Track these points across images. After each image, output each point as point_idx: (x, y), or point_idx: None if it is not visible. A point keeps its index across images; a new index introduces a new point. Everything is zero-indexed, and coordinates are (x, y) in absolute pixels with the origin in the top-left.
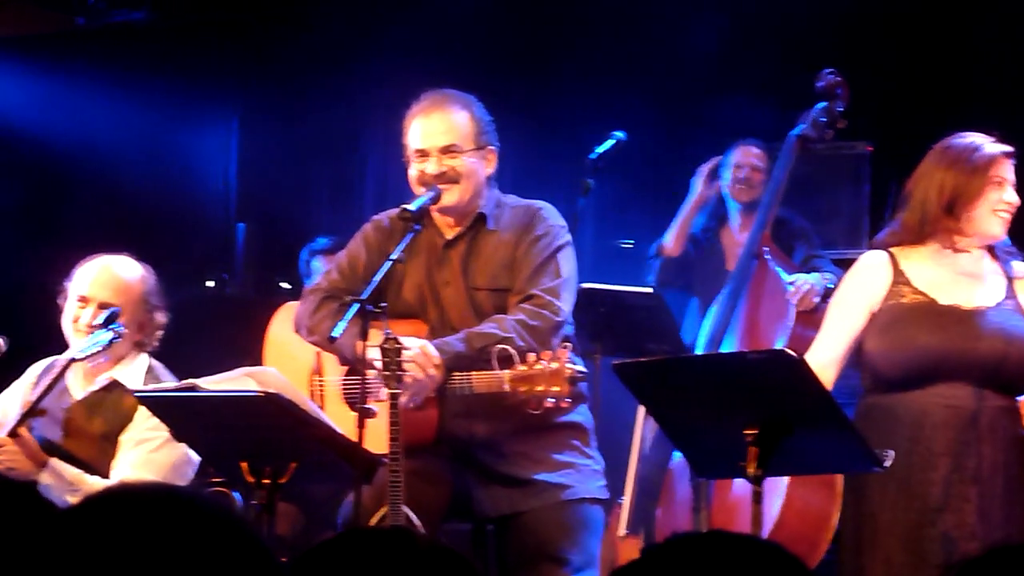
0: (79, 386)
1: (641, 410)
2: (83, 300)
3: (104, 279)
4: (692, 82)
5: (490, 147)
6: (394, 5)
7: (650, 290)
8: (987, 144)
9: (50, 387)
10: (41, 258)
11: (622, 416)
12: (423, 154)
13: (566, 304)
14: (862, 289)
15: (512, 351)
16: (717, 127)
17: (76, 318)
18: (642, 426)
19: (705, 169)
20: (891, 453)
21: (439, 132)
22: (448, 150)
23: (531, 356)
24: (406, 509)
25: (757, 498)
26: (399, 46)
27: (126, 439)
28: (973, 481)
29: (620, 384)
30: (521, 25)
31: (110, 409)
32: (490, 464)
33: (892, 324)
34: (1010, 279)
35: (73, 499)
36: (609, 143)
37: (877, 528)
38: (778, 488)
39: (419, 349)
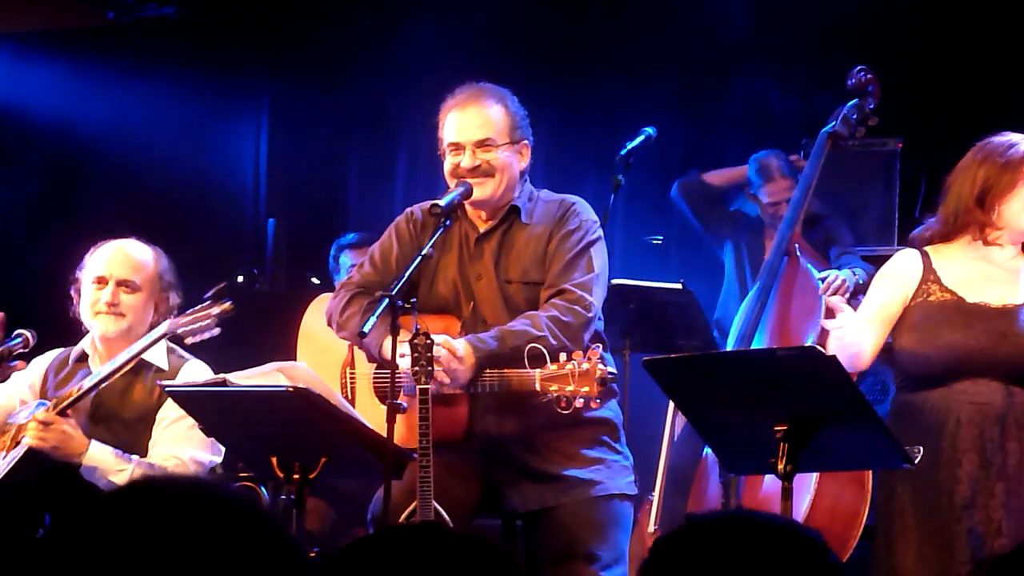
0: (103, 371)
1: (671, 406)
2: (100, 281)
3: (119, 258)
4: (723, 78)
5: (524, 141)
6: (427, 2)
7: (679, 286)
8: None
9: (126, 364)
10: (68, 253)
11: (652, 412)
12: (458, 147)
13: (597, 299)
14: (896, 282)
15: (543, 350)
16: (748, 123)
17: (95, 300)
18: (672, 422)
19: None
20: (920, 449)
21: (474, 126)
22: (483, 144)
23: (562, 356)
24: (436, 504)
25: (787, 494)
26: (428, 40)
27: (163, 416)
28: (999, 477)
29: (650, 380)
30: (551, 18)
31: (143, 392)
32: (520, 460)
33: (920, 322)
34: None
35: (118, 480)
36: (639, 139)
37: (906, 525)
38: (807, 484)
39: (441, 345)
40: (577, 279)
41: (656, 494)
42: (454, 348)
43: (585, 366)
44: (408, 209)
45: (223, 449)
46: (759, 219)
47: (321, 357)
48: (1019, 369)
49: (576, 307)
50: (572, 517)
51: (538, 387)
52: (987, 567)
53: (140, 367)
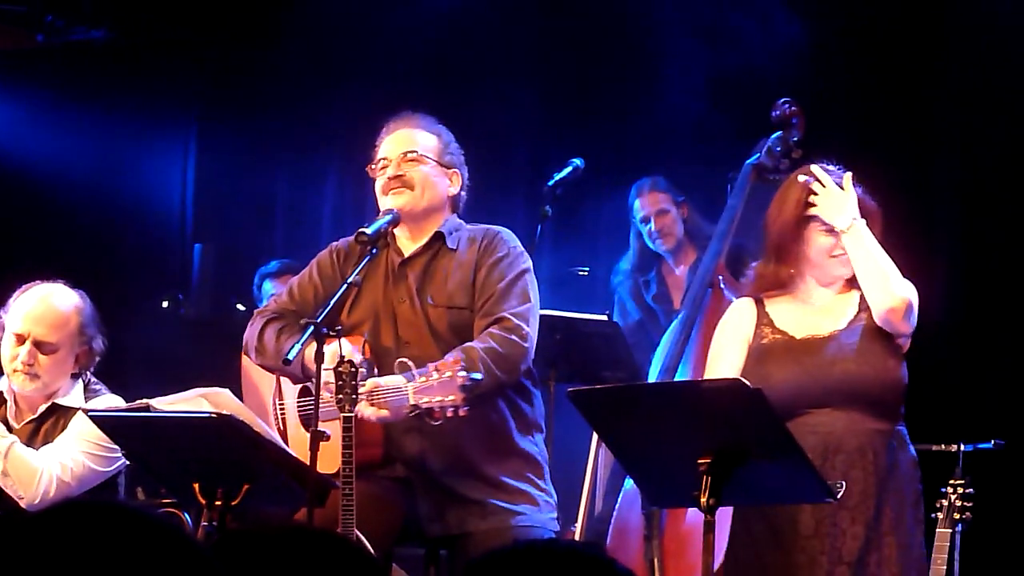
0: (15, 419)
1: (595, 437)
2: (19, 338)
3: (38, 314)
4: (651, 109)
5: (454, 170)
6: (352, 30)
7: (605, 317)
8: (798, 185)
9: None
10: None
11: (576, 443)
12: (386, 161)
13: (533, 330)
14: (734, 330)
15: (410, 364)
16: (675, 154)
17: (12, 356)
18: (596, 453)
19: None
20: (843, 484)
21: (402, 141)
22: (407, 155)
23: (429, 365)
24: (357, 532)
25: (709, 527)
26: (357, 69)
27: (69, 429)
28: (841, 506)
29: (575, 411)
30: (480, 46)
31: (54, 428)
32: (442, 483)
33: (755, 364)
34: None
35: None
36: (567, 170)
37: (752, 557)
38: (728, 517)
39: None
40: (515, 308)
41: (579, 525)
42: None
43: (447, 375)
44: (332, 244)
45: (113, 467)
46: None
47: (260, 386)
48: (853, 394)
49: (513, 337)
50: (492, 544)
51: (412, 400)
52: None
53: (53, 409)
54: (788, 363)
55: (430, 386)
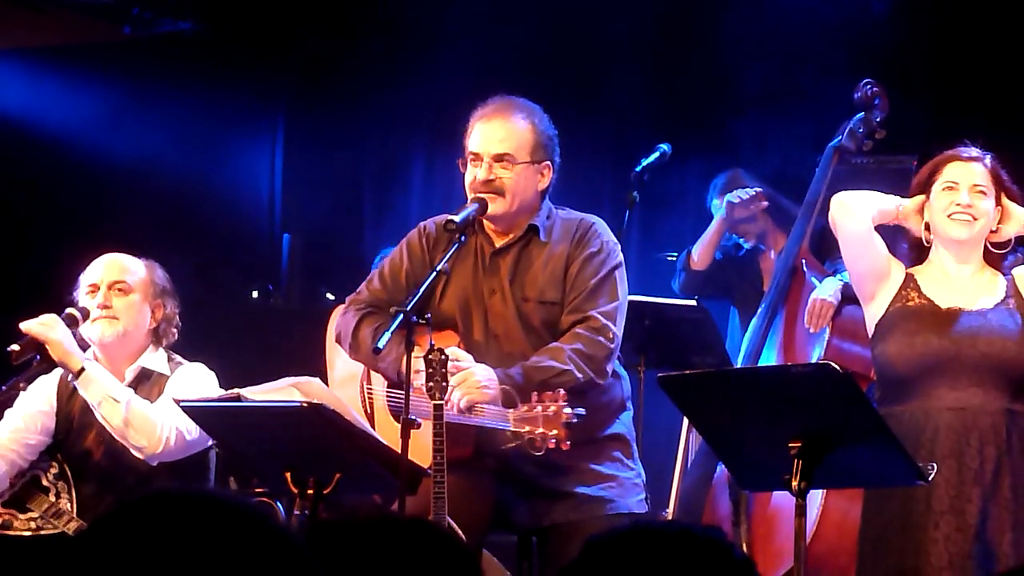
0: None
1: (685, 423)
2: (93, 288)
3: (109, 262)
4: (738, 94)
5: (546, 162)
6: (440, 18)
7: (695, 303)
8: (946, 153)
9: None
10: (82, 269)
11: (666, 428)
12: (477, 158)
13: (619, 329)
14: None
15: (514, 393)
16: (762, 137)
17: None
18: (686, 439)
19: (720, 191)
20: (934, 466)
21: (496, 139)
22: (501, 158)
23: (534, 396)
24: (450, 520)
25: (800, 511)
26: (445, 56)
27: (169, 392)
28: (976, 482)
29: (665, 396)
30: (568, 33)
31: (149, 396)
32: (531, 476)
33: (898, 326)
34: (1009, 277)
35: (117, 395)
36: (654, 156)
37: (884, 533)
38: (815, 500)
39: (462, 376)
40: (603, 307)
41: (670, 512)
42: (478, 381)
43: (551, 411)
44: (421, 223)
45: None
46: (749, 257)
47: (347, 366)
48: (994, 371)
49: (600, 337)
50: (583, 534)
51: (512, 427)
52: None
53: (144, 375)
54: (934, 328)
55: (533, 417)
